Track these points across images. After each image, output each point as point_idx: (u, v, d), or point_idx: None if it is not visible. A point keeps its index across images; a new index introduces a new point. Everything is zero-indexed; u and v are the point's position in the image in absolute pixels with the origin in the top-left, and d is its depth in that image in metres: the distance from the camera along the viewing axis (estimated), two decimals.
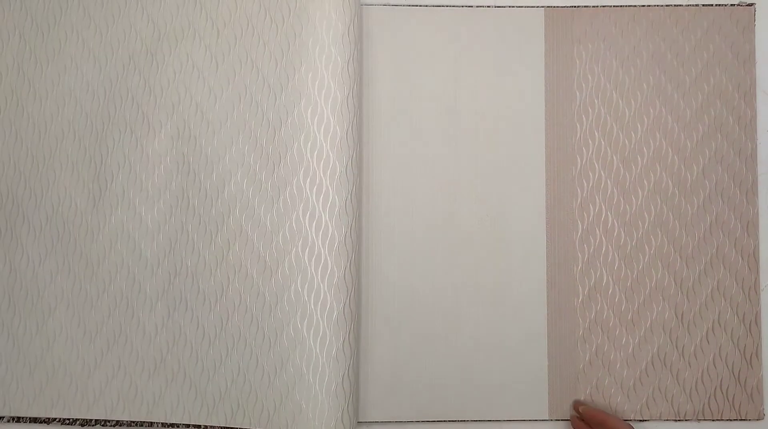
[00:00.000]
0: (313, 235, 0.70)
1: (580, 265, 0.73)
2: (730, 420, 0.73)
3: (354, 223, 0.70)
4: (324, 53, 0.71)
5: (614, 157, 0.74)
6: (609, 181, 0.74)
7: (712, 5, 0.75)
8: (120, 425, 0.72)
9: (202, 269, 0.72)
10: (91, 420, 0.72)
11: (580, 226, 0.74)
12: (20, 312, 0.73)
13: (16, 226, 0.73)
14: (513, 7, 0.76)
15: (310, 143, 0.71)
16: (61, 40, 0.75)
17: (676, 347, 0.73)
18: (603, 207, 0.74)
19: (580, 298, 0.73)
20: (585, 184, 0.74)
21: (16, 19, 0.75)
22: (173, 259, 0.72)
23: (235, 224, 0.72)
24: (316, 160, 0.70)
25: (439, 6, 0.76)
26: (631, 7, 0.75)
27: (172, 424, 0.72)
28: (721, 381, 0.73)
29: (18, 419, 0.73)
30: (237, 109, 0.73)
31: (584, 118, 0.74)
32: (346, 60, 0.71)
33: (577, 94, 0.75)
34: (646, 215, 0.74)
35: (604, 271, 0.73)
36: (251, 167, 0.72)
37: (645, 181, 0.74)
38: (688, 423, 0.73)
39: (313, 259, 0.70)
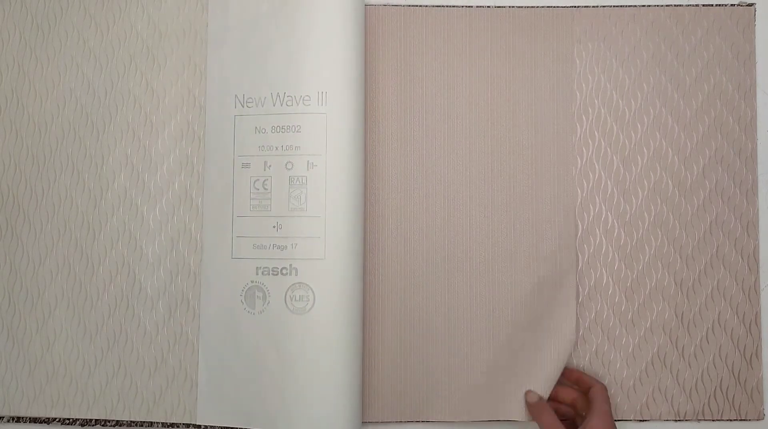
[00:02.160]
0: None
1: (580, 265, 0.73)
2: (730, 420, 0.73)
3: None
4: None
5: (614, 157, 0.74)
6: (609, 181, 0.74)
7: (712, 5, 0.75)
8: (120, 425, 0.72)
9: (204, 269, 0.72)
10: (91, 420, 0.72)
11: (580, 226, 0.74)
12: (20, 311, 0.73)
13: (17, 226, 0.73)
14: (513, 7, 0.76)
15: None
16: (61, 39, 0.75)
17: (676, 347, 0.73)
18: (603, 207, 0.74)
19: (580, 298, 0.73)
20: (585, 184, 0.74)
21: (16, 18, 0.75)
22: (174, 258, 0.73)
23: None
24: None
25: (439, 6, 0.75)
26: (631, 7, 0.75)
27: (172, 424, 0.72)
28: (721, 381, 0.73)
29: (18, 419, 0.73)
30: None
31: (584, 118, 0.74)
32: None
33: (577, 94, 0.75)
34: (646, 215, 0.74)
35: (604, 271, 0.73)
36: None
37: (645, 181, 0.74)
38: (688, 423, 0.73)
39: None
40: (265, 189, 0.71)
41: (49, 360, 0.72)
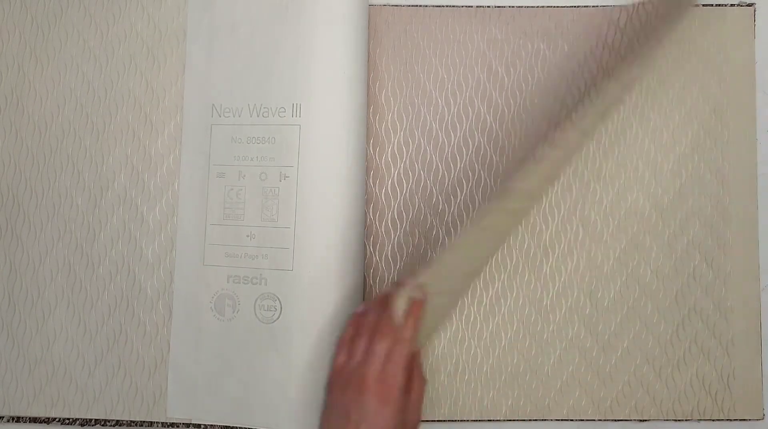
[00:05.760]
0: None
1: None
2: (730, 420, 0.73)
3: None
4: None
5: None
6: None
7: (712, 5, 0.75)
8: (120, 425, 0.72)
9: None
10: (90, 420, 0.72)
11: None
12: (20, 311, 0.73)
13: (17, 226, 0.73)
14: (513, 7, 0.76)
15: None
16: (61, 39, 0.75)
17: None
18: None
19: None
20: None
21: (16, 18, 0.75)
22: (174, 258, 0.72)
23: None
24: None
25: (439, 6, 0.75)
26: (631, 8, 0.75)
27: (172, 424, 0.72)
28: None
29: (18, 419, 0.72)
30: None
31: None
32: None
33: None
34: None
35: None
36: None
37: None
38: (687, 423, 0.73)
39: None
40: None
41: (49, 360, 0.72)
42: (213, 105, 0.73)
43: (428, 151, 0.74)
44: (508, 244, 0.73)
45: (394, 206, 0.74)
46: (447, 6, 0.75)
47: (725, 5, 0.75)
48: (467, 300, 0.73)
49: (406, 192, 0.74)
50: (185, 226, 0.73)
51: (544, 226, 0.74)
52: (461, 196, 0.74)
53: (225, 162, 0.72)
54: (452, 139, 0.74)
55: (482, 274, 0.73)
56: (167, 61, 0.74)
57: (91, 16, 0.75)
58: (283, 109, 0.71)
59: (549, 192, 0.74)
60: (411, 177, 0.74)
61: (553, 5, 0.76)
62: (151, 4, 0.75)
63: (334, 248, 0.70)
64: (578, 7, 0.75)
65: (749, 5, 0.75)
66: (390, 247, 0.74)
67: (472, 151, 0.74)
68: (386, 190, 0.74)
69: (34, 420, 0.73)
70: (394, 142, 0.75)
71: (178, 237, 0.73)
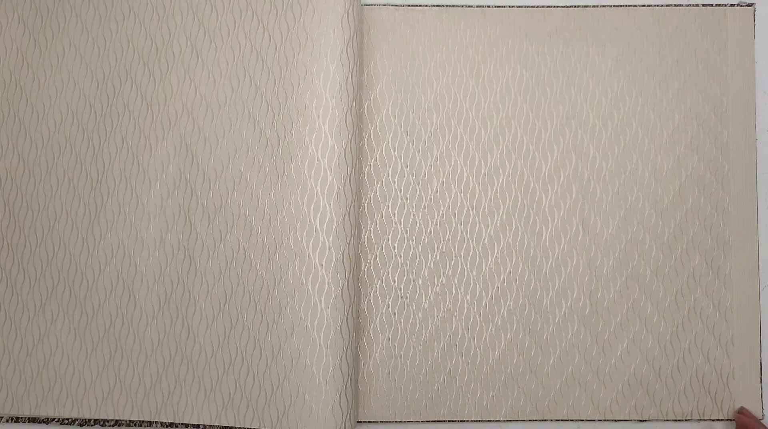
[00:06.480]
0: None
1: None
2: (730, 420, 0.73)
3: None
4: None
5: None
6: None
7: (712, 5, 0.75)
8: (120, 425, 0.72)
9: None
10: (90, 420, 0.73)
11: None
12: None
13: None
14: (512, 7, 0.75)
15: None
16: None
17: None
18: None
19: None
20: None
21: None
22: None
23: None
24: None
25: (438, 6, 0.75)
26: (631, 7, 0.75)
27: (171, 424, 0.72)
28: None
29: (17, 419, 0.73)
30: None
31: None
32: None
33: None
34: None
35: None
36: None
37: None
38: (687, 423, 0.73)
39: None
40: None
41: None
42: None
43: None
44: (508, 244, 0.73)
45: None
46: (445, 6, 0.75)
47: (725, 5, 0.75)
48: (467, 300, 0.73)
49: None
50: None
51: (544, 226, 0.74)
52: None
53: None
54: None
55: (482, 275, 0.73)
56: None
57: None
58: None
59: (549, 192, 0.74)
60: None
61: (553, 5, 0.75)
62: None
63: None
64: (577, 7, 0.75)
65: (749, 5, 0.75)
66: None
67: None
68: None
69: (33, 420, 0.73)
70: None
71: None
